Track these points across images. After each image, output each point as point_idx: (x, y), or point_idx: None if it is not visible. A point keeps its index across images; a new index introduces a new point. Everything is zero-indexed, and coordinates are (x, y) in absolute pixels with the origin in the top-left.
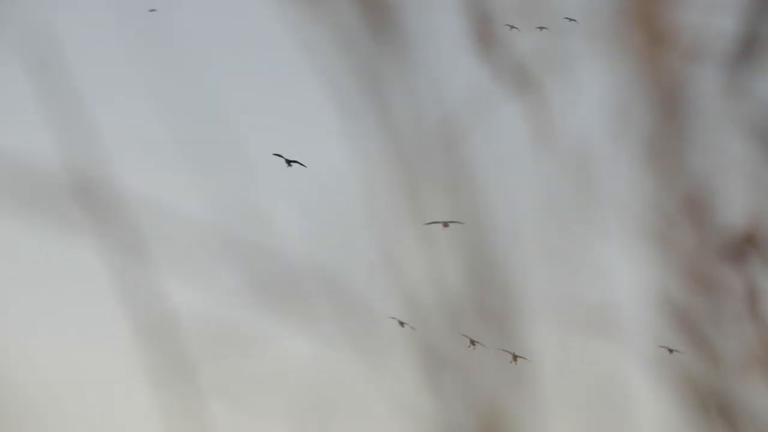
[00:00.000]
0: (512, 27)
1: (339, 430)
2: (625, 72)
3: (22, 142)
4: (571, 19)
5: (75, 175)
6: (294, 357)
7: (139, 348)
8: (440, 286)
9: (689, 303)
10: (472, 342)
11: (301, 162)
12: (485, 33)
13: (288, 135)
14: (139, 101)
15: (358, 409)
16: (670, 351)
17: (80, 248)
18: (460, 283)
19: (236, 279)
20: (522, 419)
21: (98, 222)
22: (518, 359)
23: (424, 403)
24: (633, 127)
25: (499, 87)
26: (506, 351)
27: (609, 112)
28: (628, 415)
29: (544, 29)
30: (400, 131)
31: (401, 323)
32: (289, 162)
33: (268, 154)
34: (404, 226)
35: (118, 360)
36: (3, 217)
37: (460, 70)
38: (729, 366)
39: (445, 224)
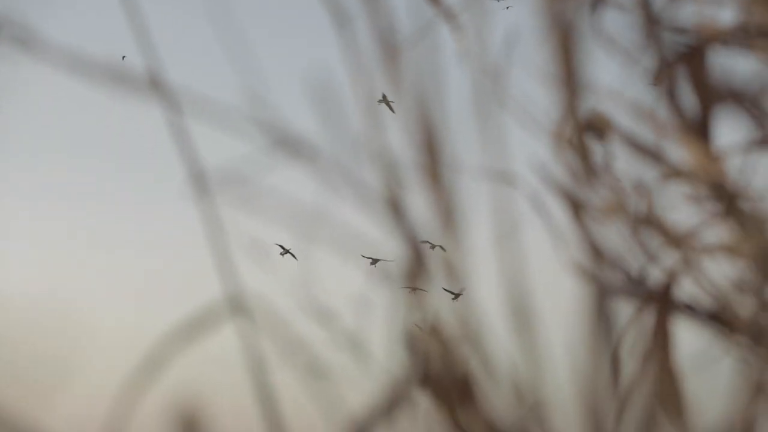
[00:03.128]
0: None
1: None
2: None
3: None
4: None
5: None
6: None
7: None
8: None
9: (566, 172)
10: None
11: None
12: None
13: (291, 38)
14: None
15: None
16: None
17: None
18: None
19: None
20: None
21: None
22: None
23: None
24: (538, 49)
25: (437, 12)
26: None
27: (520, 36)
28: (525, 249)
29: None
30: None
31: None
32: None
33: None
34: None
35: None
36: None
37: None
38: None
39: (384, 101)
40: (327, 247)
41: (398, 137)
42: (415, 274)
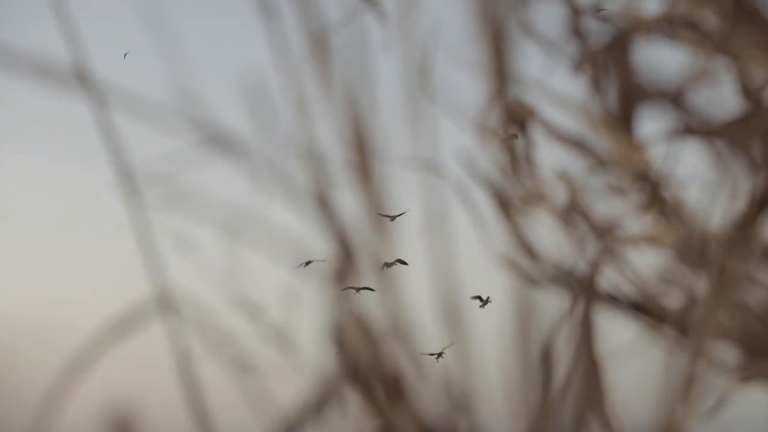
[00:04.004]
0: None
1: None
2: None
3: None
4: None
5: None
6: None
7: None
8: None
9: (492, 163)
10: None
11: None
12: None
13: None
14: None
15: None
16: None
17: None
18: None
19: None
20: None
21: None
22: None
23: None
24: (465, 40)
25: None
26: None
27: (448, 26)
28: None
29: None
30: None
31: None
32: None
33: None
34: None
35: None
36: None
37: None
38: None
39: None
40: (255, 244)
41: (328, 133)
42: (344, 270)
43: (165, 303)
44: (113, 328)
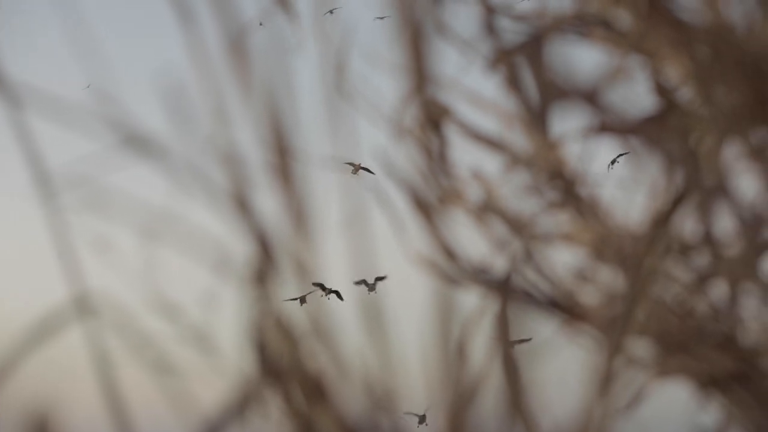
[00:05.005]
0: None
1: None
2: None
3: None
4: None
5: None
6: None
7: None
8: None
9: (408, 162)
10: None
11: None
12: None
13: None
14: None
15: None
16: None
17: None
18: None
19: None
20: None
21: None
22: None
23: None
24: (381, 40)
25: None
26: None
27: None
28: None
29: None
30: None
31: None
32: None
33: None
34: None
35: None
36: None
37: None
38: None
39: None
40: (174, 245)
41: (247, 134)
42: (264, 270)
43: (83, 306)
44: (33, 332)
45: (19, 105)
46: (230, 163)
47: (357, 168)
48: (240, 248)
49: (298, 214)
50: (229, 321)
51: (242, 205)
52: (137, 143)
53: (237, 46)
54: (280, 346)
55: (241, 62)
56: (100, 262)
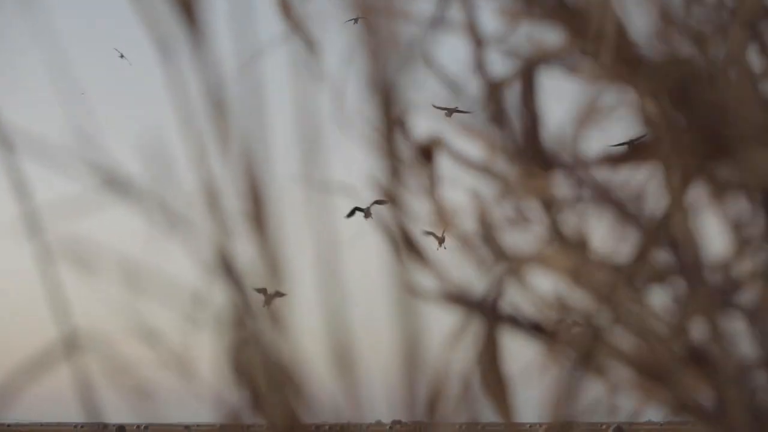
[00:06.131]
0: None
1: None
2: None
3: None
4: None
5: None
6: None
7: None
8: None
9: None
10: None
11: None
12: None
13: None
14: None
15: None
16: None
17: None
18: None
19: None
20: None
21: None
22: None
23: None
24: (361, 68)
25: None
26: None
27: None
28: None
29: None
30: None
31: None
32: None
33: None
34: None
35: None
36: None
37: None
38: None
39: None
40: (151, 289)
41: (225, 182)
42: (241, 318)
43: (71, 342)
44: (26, 369)
45: (7, 145)
46: (209, 209)
47: (451, 112)
48: (216, 291)
49: (273, 263)
50: (209, 347)
51: (222, 254)
52: (117, 185)
53: (217, 97)
54: (259, 377)
55: (221, 112)
56: (82, 289)
